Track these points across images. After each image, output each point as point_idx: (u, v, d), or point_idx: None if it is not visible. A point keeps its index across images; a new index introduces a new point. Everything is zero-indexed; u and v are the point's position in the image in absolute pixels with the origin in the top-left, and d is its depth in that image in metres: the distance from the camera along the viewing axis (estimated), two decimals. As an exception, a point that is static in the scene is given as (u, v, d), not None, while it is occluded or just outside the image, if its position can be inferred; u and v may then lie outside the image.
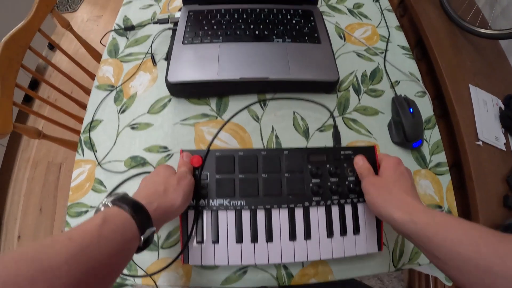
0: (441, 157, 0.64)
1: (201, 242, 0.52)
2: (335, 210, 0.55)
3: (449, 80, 0.90)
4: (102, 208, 0.38)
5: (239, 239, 0.52)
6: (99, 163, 0.60)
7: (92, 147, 0.62)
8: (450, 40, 0.98)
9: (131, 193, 0.56)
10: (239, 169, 0.54)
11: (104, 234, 0.32)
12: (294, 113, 0.64)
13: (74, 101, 0.92)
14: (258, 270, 0.54)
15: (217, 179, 0.54)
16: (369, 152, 0.57)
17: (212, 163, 0.55)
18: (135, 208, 0.37)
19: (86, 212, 0.57)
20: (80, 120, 0.91)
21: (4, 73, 0.70)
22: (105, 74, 0.69)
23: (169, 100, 0.66)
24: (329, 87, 0.64)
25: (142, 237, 0.36)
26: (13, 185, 1.48)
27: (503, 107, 0.87)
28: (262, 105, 0.65)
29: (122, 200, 0.38)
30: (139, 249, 0.38)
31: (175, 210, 0.44)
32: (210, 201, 0.53)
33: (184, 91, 0.64)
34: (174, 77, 0.62)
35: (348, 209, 0.55)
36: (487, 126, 0.83)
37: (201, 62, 0.63)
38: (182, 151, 0.55)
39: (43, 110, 1.59)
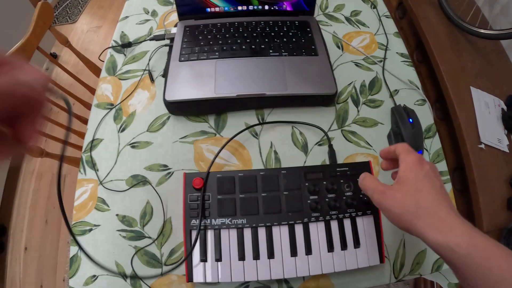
0: (442, 166, 0.65)
1: (204, 260, 0.54)
2: (334, 225, 0.56)
3: (450, 83, 0.90)
4: None
5: (242, 256, 0.54)
6: (101, 182, 0.62)
7: (93, 166, 0.64)
8: (450, 41, 0.98)
9: (132, 211, 0.58)
10: (239, 189, 0.56)
11: None
12: (292, 127, 0.66)
13: (74, 116, 0.94)
14: (260, 285, 0.56)
15: (218, 199, 0.56)
16: (364, 168, 0.58)
17: (214, 184, 0.56)
18: None
19: (90, 230, 0.59)
20: (81, 135, 0.93)
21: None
22: (104, 92, 0.71)
23: (168, 118, 0.67)
24: (327, 100, 0.66)
25: None
26: (19, 197, 1.52)
27: (505, 108, 0.87)
28: (260, 120, 0.66)
29: None
30: None
31: None
32: (213, 220, 0.55)
33: (182, 109, 0.66)
34: (172, 96, 0.64)
35: (347, 224, 0.57)
36: (489, 128, 0.83)
37: (198, 80, 0.65)
38: (185, 173, 0.57)
39: (45, 126, 1.61)
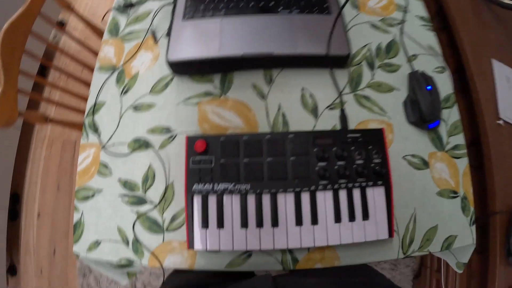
0: (460, 139, 0.57)
1: (205, 226, 0.49)
2: (343, 194, 0.50)
3: (470, 53, 0.80)
4: None
5: (244, 223, 0.49)
6: (103, 147, 0.57)
7: (96, 130, 0.58)
8: (473, 10, 0.87)
9: (134, 176, 0.53)
10: (243, 153, 0.50)
11: None
12: (302, 89, 0.58)
13: (82, 83, 0.88)
14: (262, 254, 0.51)
15: (221, 164, 0.50)
16: (377, 136, 0.51)
17: (217, 148, 0.51)
18: None
19: (93, 195, 0.55)
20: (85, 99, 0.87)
21: (7, 62, 0.66)
22: (106, 55, 0.65)
23: (172, 79, 0.61)
24: (340, 62, 0.57)
25: None
26: (31, 164, 1.49)
27: (528, 82, 0.77)
28: (268, 81, 0.59)
29: None
30: None
31: None
32: (215, 185, 0.49)
33: (185, 69, 0.59)
34: (175, 55, 0.57)
35: (356, 194, 0.51)
36: (509, 104, 0.74)
37: (203, 38, 0.57)
38: (187, 137, 0.51)
39: (55, 93, 1.56)
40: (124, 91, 0.61)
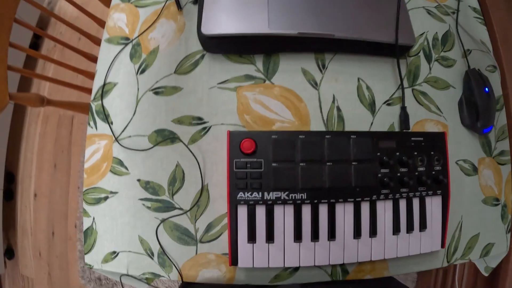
0: (505, 144, 0.53)
1: (253, 241, 0.40)
2: (402, 204, 0.44)
3: (502, 44, 0.75)
4: None
5: (298, 237, 0.41)
6: (116, 139, 0.44)
7: (106, 118, 0.45)
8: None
9: (158, 176, 0.43)
10: (300, 156, 0.41)
11: None
12: (358, 79, 0.49)
13: (81, 54, 0.70)
14: (312, 267, 0.44)
15: (274, 168, 0.41)
16: (439, 140, 0.46)
17: (268, 148, 0.41)
18: None
19: (106, 198, 0.43)
20: (89, 75, 0.70)
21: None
22: (116, 23, 0.49)
23: (202, 57, 0.48)
24: (401, 51, 0.49)
25: None
26: (25, 142, 1.27)
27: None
28: (321, 67, 0.49)
29: None
30: None
31: None
32: (265, 194, 0.40)
33: (222, 46, 0.46)
34: (211, 29, 0.44)
35: (416, 203, 0.45)
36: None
37: (246, 8, 0.45)
38: (229, 132, 0.41)
39: (48, 68, 1.30)
40: (141, 70, 0.47)
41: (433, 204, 0.46)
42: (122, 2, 0.50)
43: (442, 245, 0.46)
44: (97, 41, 0.72)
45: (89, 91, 0.62)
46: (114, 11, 0.50)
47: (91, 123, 0.46)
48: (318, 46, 0.47)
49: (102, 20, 0.72)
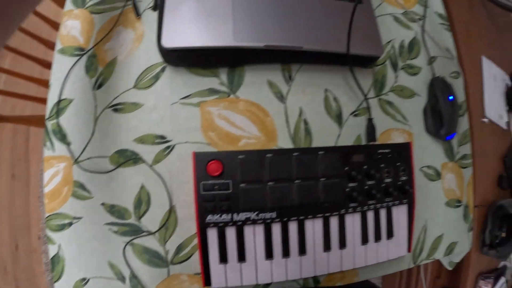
0: (467, 148, 0.56)
1: (224, 262, 0.40)
2: (370, 215, 0.46)
3: (463, 45, 0.78)
4: None
5: (269, 255, 0.41)
6: (75, 161, 0.42)
7: (63, 138, 0.42)
8: (468, 2, 0.83)
9: (123, 199, 0.41)
10: (268, 175, 0.41)
11: None
12: (325, 90, 0.49)
13: (30, 59, 0.64)
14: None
15: (242, 189, 0.40)
16: (405, 151, 0.47)
17: (235, 168, 0.40)
18: None
19: (70, 224, 0.41)
20: (43, 83, 0.65)
21: None
22: (70, 32, 0.45)
23: (163, 69, 0.46)
24: (368, 61, 0.49)
25: None
26: None
27: (510, 83, 0.80)
28: (288, 78, 0.48)
29: None
30: None
31: None
32: (235, 215, 0.40)
33: (184, 59, 0.44)
34: (171, 41, 0.42)
35: (383, 214, 0.47)
36: (493, 103, 0.76)
37: (210, 19, 0.43)
38: (195, 154, 0.40)
39: None
40: (98, 84, 0.44)
41: (399, 213, 0.48)
42: (76, 8, 0.46)
43: (409, 250, 0.48)
44: (50, 45, 0.66)
45: (43, 100, 0.57)
46: (67, 17, 0.45)
47: (48, 143, 0.42)
48: (285, 58, 0.46)
49: (54, 20, 0.66)
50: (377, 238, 0.46)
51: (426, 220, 0.52)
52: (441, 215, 0.53)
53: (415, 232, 0.51)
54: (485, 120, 0.75)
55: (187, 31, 0.42)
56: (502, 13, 0.88)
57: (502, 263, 0.79)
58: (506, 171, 0.74)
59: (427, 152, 0.53)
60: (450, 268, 0.60)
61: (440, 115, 0.51)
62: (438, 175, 0.53)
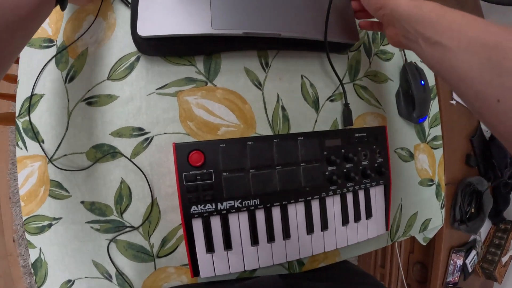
0: (438, 130, 0.60)
1: (211, 251, 0.41)
2: (349, 197, 0.49)
3: None
4: None
5: (255, 241, 0.43)
6: (50, 160, 0.41)
7: (36, 136, 0.41)
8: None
9: (103, 195, 0.41)
10: (250, 163, 0.42)
11: None
12: (302, 77, 0.50)
13: None
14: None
15: (225, 178, 0.41)
16: (380, 133, 0.50)
17: (217, 158, 0.41)
18: None
19: (50, 226, 0.41)
20: (10, 79, 0.61)
21: None
22: None
23: (138, 59, 0.45)
24: (343, 48, 0.51)
25: None
26: None
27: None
28: (264, 65, 0.49)
29: None
30: None
31: None
32: (219, 204, 0.41)
33: (160, 48, 0.44)
34: (147, 30, 0.41)
35: (361, 195, 0.50)
36: (460, 86, 0.81)
37: (187, 6, 0.42)
38: (175, 145, 0.40)
39: None
40: (70, 78, 0.43)
41: (377, 194, 0.51)
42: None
43: (387, 228, 0.52)
44: None
45: (8, 97, 0.55)
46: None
47: (20, 143, 0.41)
48: (261, 44, 0.47)
49: None
50: (357, 218, 0.49)
51: (402, 199, 0.56)
52: (415, 194, 0.57)
53: (392, 211, 0.55)
54: (453, 102, 0.80)
55: (163, 19, 0.41)
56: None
57: (472, 237, 0.87)
58: (473, 150, 0.80)
59: (400, 134, 0.56)
60: (424, 244, 0.65)
61: (412, 99, 0.54)
62: (411, 156, 0.57)
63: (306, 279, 0.48)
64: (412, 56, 0.58)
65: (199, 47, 0.45)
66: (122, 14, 0.45)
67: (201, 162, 0.40)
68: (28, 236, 0.40)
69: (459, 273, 0.82)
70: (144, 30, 0.41)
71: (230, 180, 0.41)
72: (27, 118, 0.41)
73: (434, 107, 0.60)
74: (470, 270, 0.84)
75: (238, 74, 0.48)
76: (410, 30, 0.34)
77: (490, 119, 0.28)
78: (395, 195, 0.55)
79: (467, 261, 0.82)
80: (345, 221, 0.48)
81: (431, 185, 0.59)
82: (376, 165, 0.49)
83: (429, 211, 0.59)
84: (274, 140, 0.43)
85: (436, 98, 0.60)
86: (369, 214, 0.50)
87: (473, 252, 0.85)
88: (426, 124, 0.59)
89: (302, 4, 0.46)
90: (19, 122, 0.41)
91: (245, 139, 0.42)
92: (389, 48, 0.57)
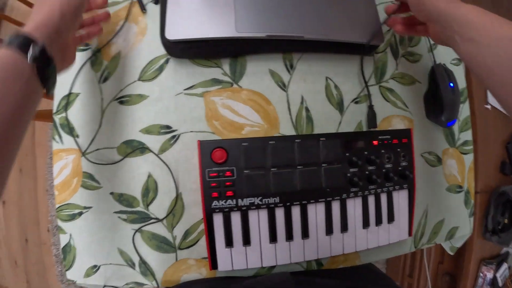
0: (468, 135, 0.58)
1: (230, 246, 0.43)
2: (371, 200, 0.48)
3: None
4: None
5: (273, 239, 0.44)
6: (83, 153, 0.44)
7: (71, 131, 0.44)
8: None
9: (131, 188, 0.43)
10: (271, 162, 0.43)
11: None
12: (326, 79, 0.51)
13: None
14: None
15: (246, 175, 0.42)
16: (406, 136, 0.49)
17: (239, 156, 0.42)
18: (12, 38, 0.29)
19: (80, 214, 0.44)
20: None
21: None
22: None
23: (167, 61, 0.48)
24: (368, 50, 0.51)
25: (28, 57, 0.29)
26: None
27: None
28: (289, 67, 0.50)
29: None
30: (41, 75, 0.31)
31: (56, 22, 0.33)
32: (239, 200, 0.42)
33: (187, 51, 0.46)
34: (174, 34, 0.44)
35: (383, 198, 0.49)
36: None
37: (212, 10, 0.45)
38: (200, 142, 0.42)
39: None
40: (104, 78, 0.46)
41: (400, 198, 0.50)
42: (78, 4, 0.48)
43: (410, 234, 0.50)
44: None
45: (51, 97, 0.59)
46: (69, 14, 0.47)
47: (56, 137, 0.45)
48: (286, 47, 0.48)
49: None
50: (378, 222, 0.48)
51: (427, 205, 0.54)
52: (442, 200, 0.55)
53: (416, 217, 0.53)
54: (488, 106, 0.76)
55: (189, 23, 0.44)
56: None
57: (504, 249, 0.81)
58: (509, 157, 0.75)
59: (428, 138, 0.55)
60: (451, 253, 0.62)
61: (441, 102, 0.53)
62: (439, 161, 0.55)
63: (317, 276, 0.48)
64: (441, 57, 0.56)
65: (224, 50, 0.47)
66: (153, 19, 0.48)
67: (224, 159, 0.42)
68: (59, 223, 0.44)
69: (489, 287, 0.78)
70: (172, 34, 0.43)
71: (251, 178, 0.42)
72: (63, 114, 0.45)
73: (464, 110, 0.58)
74: (500, 284, 0.79)
75: (263, 76, 0.49)
76: (447, 27, 0.38)
77: None
78: (420, 201, 0.53)
79: (498, 275, 0.77)
80: (365, 224, 0.47)
81: (460, 192, 0.57)
82: (400, 168, 0.48)
83: (456, 219, 0.57)
84: (296, 140, 0.44)
85: (467, 102, 0.58)
86: (391, 218, 0.49)
87: (505, 265, 0.79)
88: (455, 128, 0.57)
89: (325, 6, 0.46)
90: (57, 118, 0.45)
91: (267, 139, 0.43)
92: (417, 49, 0.56)
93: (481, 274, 0.73)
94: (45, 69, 0.31)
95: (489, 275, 0.75)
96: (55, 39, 0.33)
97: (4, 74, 0.28)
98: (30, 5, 0.65)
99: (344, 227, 0.46)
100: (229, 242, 0.43)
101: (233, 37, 0.44)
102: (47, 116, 0.67)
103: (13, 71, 0.28)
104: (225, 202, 0.42)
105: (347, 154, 0.46)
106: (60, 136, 0.45)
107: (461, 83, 0.58)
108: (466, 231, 0.58)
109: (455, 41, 0.37)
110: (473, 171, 0.58)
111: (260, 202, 0.43)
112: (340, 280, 0.47)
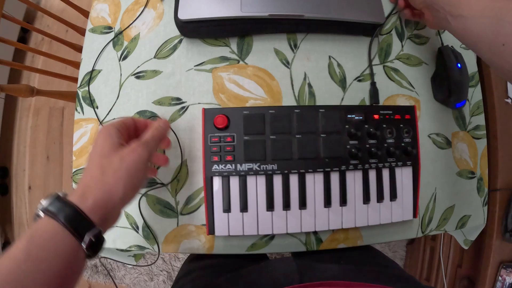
0: (481, 119, 0.56)
1: (227, 210, 0.44)
2: (372, 174, 0.48)
3: None
4: (37, 218, 0.29)
5: (270, 206, 0.45)
6: (101, 122, 0.49)
7: (92, 103, 0.50)
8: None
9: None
10: (270, 129, 0.45)
11: (32, 256, 0.25)
12: (329, 57, 0.53)
13: (68, 45, 0.76)
14: (286, 235, 0.48)
15: (245, 141, 0.44)
16: (409, 113, 0.49)
17: (239, 123, 0.45)
18: (65, 211, 0.28)
19: (93, 176, 0.48)
20: (77, 65, 0.76)
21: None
22: (99, 14, 0.54)
23: (180, 41, 0.52)
24: (371, 29, 0.52)
25: (84, 245, 0.28)
26: (17, 135, 1.34)
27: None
28: (293, 46, 0.52)
29: (53, 204, 0.28)
30: (91, 256, 0.29)
31: (117, 203, 0.31)
32: (238, 165, 0.44)
33: (198, 30, 0.50)
34: (186, 14, 0.48)
35: (385, 174, 0.48)
36: (518, 83, 0.74)
37: (220, -6, 0.49)
38: (204, 110, 0.45)
39: (37, 61, 1.37)
40: (124, 56, 0.51)
41: (404, 175, 0.49)
42: (105, -7, 0.55)
43: (414, 215, 0.49)
44: (83, 32, 0.77)
45: (76, 80, 0.67)
46: (97, 2, 0.54)
47: (78, 108, 0.50)
48: (290, 27, 0.51)
49: (87, 11, 0.77)
50: (380, 198, 0.47)
51: (436, 187, 0.52)
52: (452, 185, 0.53)
53: (424, 199, 0.52)
54: (508, 100, 0.73)
55: (199, 5, 0.48)
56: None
57: (532, 253, 0.74)
58: (533, 152, 0.70)
59: (436, 119, 0.54)
60: (465, 247, 0.58)
61: (448, 82, 0.52)
62: (448, 144, 0.54)
63: (321, 261, 0.48)
64: (449, 41, 0.56)
65: (232, 29, 0.51)
66: (169, 5, 0.53)
67: (225, 125, 0.44)
68: (74, 186, 0.48)
69: (509, 292, 0.71)
70: (184, 14, 0.48)
71: (250, 144, 0.44)
72: (86, 88, 0.50)
73: (476, 94, 0.56)
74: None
75: (268, 54, 0.52)
76: (440, 10, 0.42)
77: (498, 61, 0.36)
78: (428, 183, 0.52)
79: (520, 280, 0.70)
80: (366, 199, 0.47)
81: (472, 177, 0.54)
82: (403, 144, 0.48)
83: (468, 207, 0.54)
84: (295, 110, 0.46)
85: (479, 86, 0.57)
86: (393, 196, 0.48)
87: (530, 271, 0.72)
88: (466, 111, 0.55)
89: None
90: (80, 92, 0.50)
91: (267, 108, 0.46)
92: (424, 32, 0.56)
93: (500, 278, 0.67)
94: (96, 250, 0.29)
95: (508, 279, 0.68)
96: (110, 219, 0.31)
97: (52, 255, 0.26)
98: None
99: (344, 201, 0.46)
100: (227, 207, 0.44)
101: (238, 17, 0.48)
102: (70, 96, 0.75)
103: (62, 251, 0.27)
104: (225, 166, 0.44)
105: (346, 126, 0.46)
106: (81, 107, 0.50)
107: (472, 67, 0.57)
108: (480, 221, 0.54)
109: (448, 22, 0.41)
110: (486, 157, 0.55)
111: (258, 168, 0.44)
112: (343, 265, 0.47)
